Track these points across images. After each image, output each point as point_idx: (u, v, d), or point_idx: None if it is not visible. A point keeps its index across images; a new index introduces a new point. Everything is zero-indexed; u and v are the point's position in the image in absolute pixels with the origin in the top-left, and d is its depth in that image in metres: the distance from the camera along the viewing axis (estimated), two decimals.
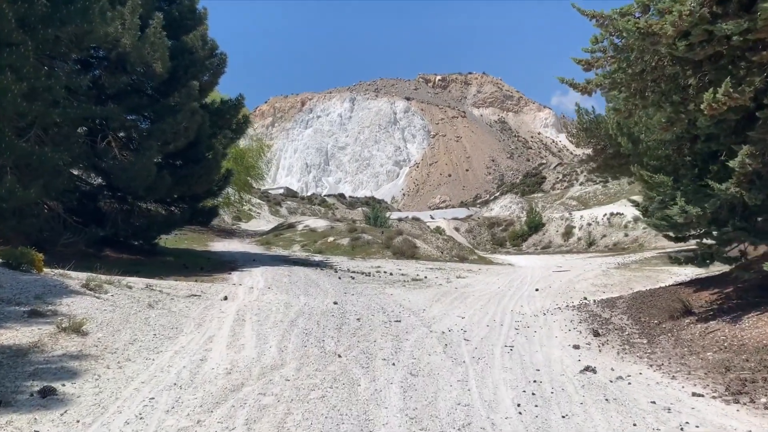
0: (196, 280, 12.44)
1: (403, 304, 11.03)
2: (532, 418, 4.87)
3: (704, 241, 9.62)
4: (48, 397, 4.79)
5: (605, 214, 37.10)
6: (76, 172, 16.04)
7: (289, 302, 10.20)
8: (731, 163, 7.37)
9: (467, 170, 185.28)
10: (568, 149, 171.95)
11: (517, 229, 41.75)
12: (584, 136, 20.14)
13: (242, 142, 32.32)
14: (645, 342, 7.88)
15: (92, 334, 6.67)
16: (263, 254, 21.98)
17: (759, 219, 8.51)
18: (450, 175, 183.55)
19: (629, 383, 5.96)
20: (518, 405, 5.20)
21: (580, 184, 67.33)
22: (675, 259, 9.88)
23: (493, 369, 6.47)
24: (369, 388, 5.59)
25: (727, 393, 5.54)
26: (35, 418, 4.41)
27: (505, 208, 58.52)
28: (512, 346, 7.66)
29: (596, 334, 8.48)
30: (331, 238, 26.02)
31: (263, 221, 46.64)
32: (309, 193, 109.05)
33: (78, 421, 4.45)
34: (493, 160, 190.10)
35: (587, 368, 6.47)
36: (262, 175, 41.56)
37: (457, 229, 43.63)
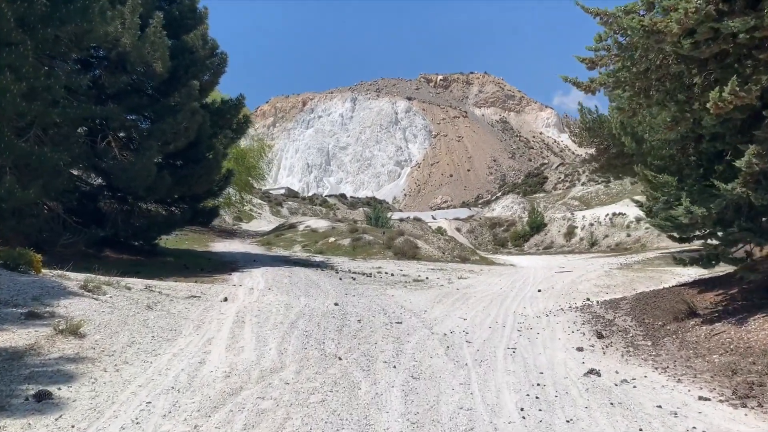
0: (196, 281, 12.36)
1: (405, 306, 10.94)
2: (536, 423, 4.78)
3: (709, 241, 9.52)
4: (43, 402, 4.71)
5: (607, 215, 36.98)
6: (76, 173, 15.99)
7: (290, 303, 10.12)
8: (737, 163, 7.27)
9: (469, 170, 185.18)
10: (570, 149, 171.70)
11: (519, 229, 41.66)
12: (587, 135, 20.01)
13: (243, 142, 32.29)
14: (649, 344, 7.77)
15: (89, 336, 6.59)
16: (264, 255, 21.94)
17: (765, 219, 8.41)
18: (451, 176, 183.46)
19: (634, 386, 5.86)
20: (522, 409, 5.10)
21: (582, 185, 67.26)
22: (680, 260, 9.75)
23: (495, 372, 6.37)
24: (370, 391, 5.50)
25: (734, 397, 5.44)
26: (29, 423, 4.33)
27: (507, 208, 58.46)
28: (515, 349, 7.57)
29: (600, 335, 8.37)
30: (332, 239, 25.96)
31: (264, 222, 46.64)
32: (310, 194, 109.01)
33: (73, 426, 4.36)
34: (494, 160, 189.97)
35: (591, 371, 6.36)
36: (263, 175, 41.50)
37: (458, 230, 43.54)
